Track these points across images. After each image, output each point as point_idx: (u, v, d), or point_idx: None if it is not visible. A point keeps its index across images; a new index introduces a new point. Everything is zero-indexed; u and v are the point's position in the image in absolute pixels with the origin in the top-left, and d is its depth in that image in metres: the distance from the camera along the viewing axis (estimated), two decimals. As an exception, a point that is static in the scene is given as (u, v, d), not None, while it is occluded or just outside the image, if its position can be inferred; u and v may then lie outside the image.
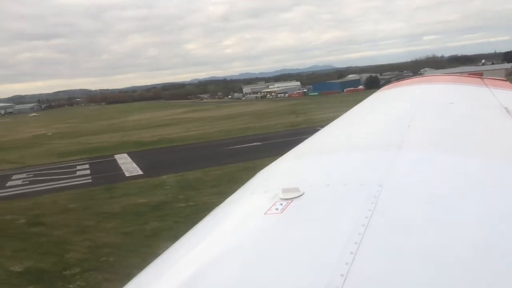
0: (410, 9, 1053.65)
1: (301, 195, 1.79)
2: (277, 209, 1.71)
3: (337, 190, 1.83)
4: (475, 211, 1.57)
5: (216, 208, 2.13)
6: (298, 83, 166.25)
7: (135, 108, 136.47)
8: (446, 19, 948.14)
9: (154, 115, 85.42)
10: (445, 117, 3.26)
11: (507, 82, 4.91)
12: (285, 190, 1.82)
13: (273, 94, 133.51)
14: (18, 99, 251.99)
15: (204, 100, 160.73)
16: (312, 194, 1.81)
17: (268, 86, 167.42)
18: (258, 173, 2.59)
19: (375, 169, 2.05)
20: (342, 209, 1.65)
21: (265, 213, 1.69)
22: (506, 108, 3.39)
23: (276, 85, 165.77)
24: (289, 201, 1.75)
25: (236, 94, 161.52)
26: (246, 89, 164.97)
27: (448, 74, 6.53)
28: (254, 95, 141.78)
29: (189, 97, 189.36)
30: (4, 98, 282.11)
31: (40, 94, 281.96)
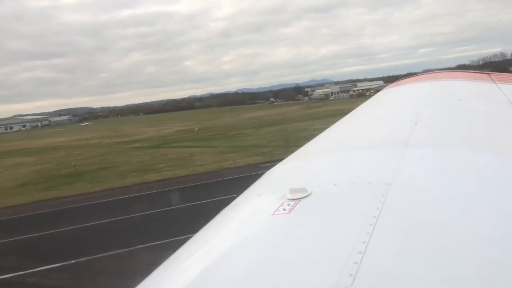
0: (407, 22, 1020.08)
1: (308, 195, 1.73)
2: (284, 209, 1.65)
3: (344, 189, 1.77)
4: (485, 208, 1.50)
5: (224, 209, 2.06)
6: (381, 82, 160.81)
7: (215, 112, 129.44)
8: (441, 31, 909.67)
9: (272, 112, 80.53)
10: (452, 113, 3.14)
11: None
12: (292, 190, 1.76)
13: (371, 91, 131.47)
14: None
15: (276, 103, 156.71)
16: (320, 193, 1.75)
17: (355, 84, 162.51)
18: (265, 173, 2.52)
19: (382, 167, 1.97)
20: (350, 209, 1.59)
21: (272, 214, 1.64)
22: None
23: (359, 85, 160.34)
24: (297, 201, 1.69)
25: (313, 95, 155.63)
26: (334, 88, 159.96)
27: (454, 70, 6.56)
28: (347, 94, 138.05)
29: (251, 101, 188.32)
30: (5, 118, 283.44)
31: (42, 112, 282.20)
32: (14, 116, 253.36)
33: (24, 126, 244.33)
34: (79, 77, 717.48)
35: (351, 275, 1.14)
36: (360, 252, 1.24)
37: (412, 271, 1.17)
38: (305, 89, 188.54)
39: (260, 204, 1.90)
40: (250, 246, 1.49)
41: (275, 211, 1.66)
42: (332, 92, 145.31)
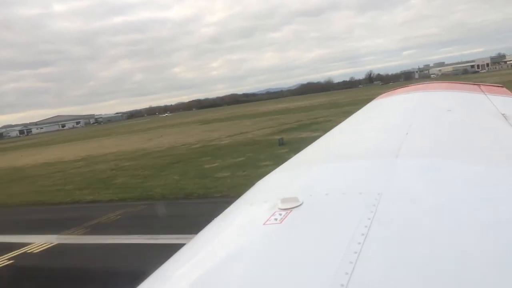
0: (394, 24, 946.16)
1: (300, 204, 1.66)
2: (276, 219, 1.58)
3: (336, 199, 1.70)
4: (476, 218, 1.49)
5: (214, 219, 2.00)
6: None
7: (290, 99, 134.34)
8: (425, 33, 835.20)
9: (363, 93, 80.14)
10: (443, 124, 3.11)
11: (504, 88, 4.69)
12: (284, 200, 1.69)
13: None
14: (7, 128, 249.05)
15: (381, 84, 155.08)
16: (311, 203, 1.68)
17: (504, 56, 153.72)
18: (257, 183, 2.44)
19: (374, 177, 1.91)
20: (341, 218, 1.54)
21: (264, 224, 1.57)
22: (503, 114, 3.22)
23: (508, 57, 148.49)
24: (288, 211, 1.62)
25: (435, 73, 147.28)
26: (480, 60, 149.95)
27: (445, 81, 6.13)
28: (500, 66, 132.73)
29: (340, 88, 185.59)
30: (50, 117, 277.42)
31: (30, 122, 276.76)
32: (3, 126, 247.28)
33: (78, 123, 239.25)
34: (66, 86, 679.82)
35: (342, 285, 1.12)
36: (351, 262, 1.22)
37: (404, 281, 1.15)
38: (416, 71, 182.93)
39: (252, 214, 1.80)
40: (241, 256, 1.47)
41: (267, 221, 1.60)
42: (478, 65, 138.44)
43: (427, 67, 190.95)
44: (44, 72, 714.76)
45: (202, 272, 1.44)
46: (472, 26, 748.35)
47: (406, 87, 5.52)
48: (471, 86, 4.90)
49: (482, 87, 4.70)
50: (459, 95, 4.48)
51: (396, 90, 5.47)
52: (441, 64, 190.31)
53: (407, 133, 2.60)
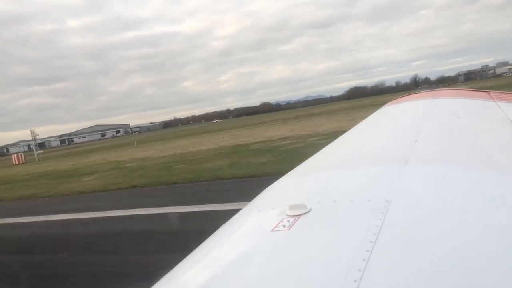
0: (404, 35, 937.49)
1: (308, 211, 1.65)
2: (284, 226, 1.58)
3: (344, 206, 1.69)
4: (485, 226, 1.48)
5: (223, 225, 2.01)
6: None
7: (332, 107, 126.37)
8: (436, 43, 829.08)
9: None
10: (452, 131, 3.09)
11: None
12: (292, 207, 1.68)
13: None
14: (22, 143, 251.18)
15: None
16: (319, 210, 1.67)
17: None
18: (265, 189, 2.46)
19: (382, 184, 1.89)
20: (349, 226, 1.53)
21: (272, 230, 1.58)
22: None
23: None
24: (296, 218, 1.61)
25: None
26: None
27: (454, 88, 6.04)
28: None
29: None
30: (88, 127, 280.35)
31: (50, 136, 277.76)
32: (19, 141, 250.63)
33: (117, 132, 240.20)
34: (79, 101, 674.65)
35: None
36: (359, 270, 1.23)
37: None
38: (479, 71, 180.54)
39: (260, 220, 1.81)
40: (249, 262, 1.47)
41: (275, 227, 1.60)
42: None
43: (486, 67, 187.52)
44: (58, 88, 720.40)
45: (210, 278, 1.43)
46: (481, 36, 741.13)
47: (415, 94, 5.53)
48: (481, 93, 4.87)
49: (492, 94, 4.63)
50: (469, 102, 4.47)
51: (404, 97, 5.46)
52: (505, 63, 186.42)
53: (416, 140, 2.61)
